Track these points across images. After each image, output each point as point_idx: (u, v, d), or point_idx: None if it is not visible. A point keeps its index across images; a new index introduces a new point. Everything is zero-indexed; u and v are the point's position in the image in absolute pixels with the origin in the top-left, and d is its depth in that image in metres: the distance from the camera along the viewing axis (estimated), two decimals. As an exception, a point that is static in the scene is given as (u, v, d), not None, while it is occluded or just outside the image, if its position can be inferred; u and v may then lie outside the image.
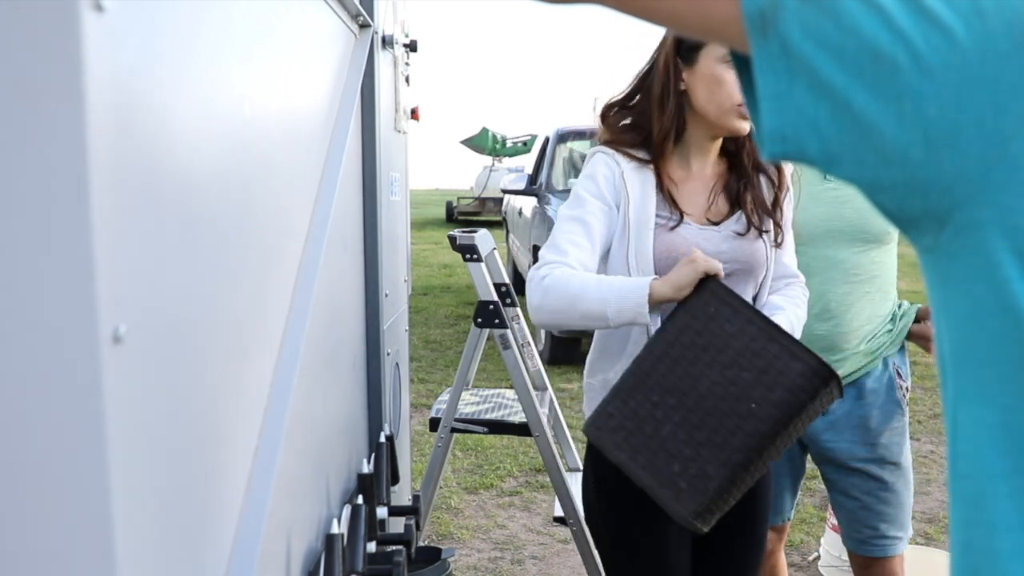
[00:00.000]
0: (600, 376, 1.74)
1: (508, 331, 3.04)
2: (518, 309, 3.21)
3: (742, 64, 0.55)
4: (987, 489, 0.52)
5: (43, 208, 0.60)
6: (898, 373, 2.13)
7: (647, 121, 1.70)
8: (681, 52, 1.68)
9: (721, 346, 1.47)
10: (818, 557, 3.25)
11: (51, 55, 0.59)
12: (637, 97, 1.73)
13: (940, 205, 0.51)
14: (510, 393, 3.26)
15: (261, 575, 1.01)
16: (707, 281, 1.53)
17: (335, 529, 1.40)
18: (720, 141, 1.74)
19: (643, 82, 1.73)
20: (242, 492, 1.02)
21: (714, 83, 1.64)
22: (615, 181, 1.67)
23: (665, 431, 1.47)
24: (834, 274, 2.07)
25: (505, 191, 8.38)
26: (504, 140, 17.11)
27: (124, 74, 0.67)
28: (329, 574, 1.35)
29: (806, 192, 2.10)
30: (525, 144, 16.77)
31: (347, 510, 1.60)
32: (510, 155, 17.28)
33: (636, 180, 1.67)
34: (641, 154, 1.69)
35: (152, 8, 0.75)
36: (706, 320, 1.49)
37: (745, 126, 1.67)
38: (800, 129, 0.52)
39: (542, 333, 6.41)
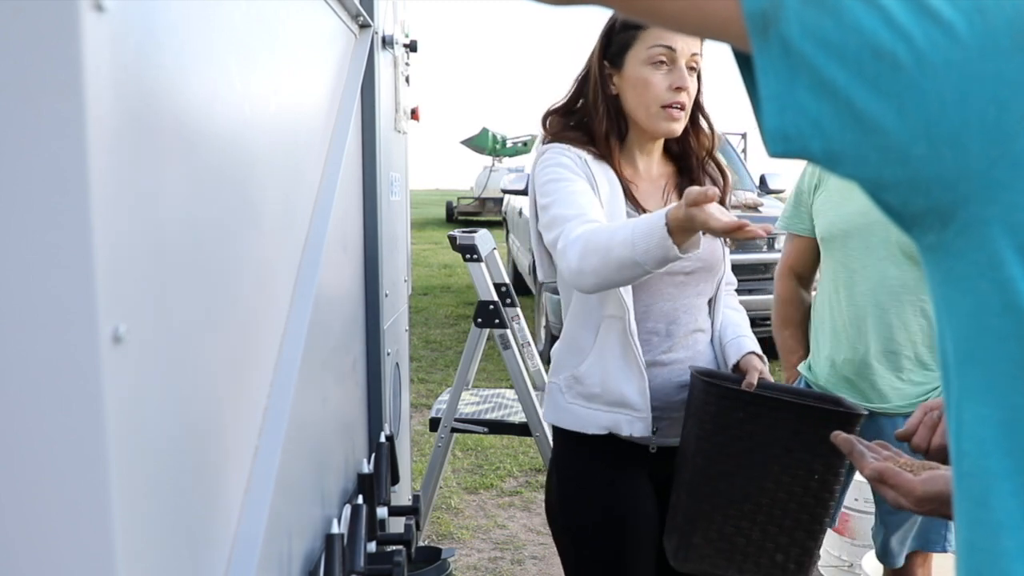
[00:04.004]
0: (566, 373, 1.69)
1: (508, 331, 3.04)
2: (518, 309, 3.21)
3: (744, 63, 0.55)
4: (991, 488, 0.51)
5: (43, 208, 0.60)
6: None
7: (591, 124, 1.68)
8: (609, 55, 1.66)
9: (765, 440, 1.56)
10: (818, 557, 3.25)
11: (51, 55, 0.59)
12: (580, 102, 1.71)
13: (943, 202, 0.51)
14: (510, 393, 3.26)
15: (261, 575, 1.01)
16: (711, 386, 1.57)
17: (335, 529, 1.40)
18: (661, 141, 1.72)
19: (582, 87, 1.71)
20: (242, 492, 1.02)
21: (640, 86, 1.62)
22: (582, 166, 1.62)
23: (755, 535, 1.59)
24: (879, 288, 1.95)
25: (505, 191, 8.38)
26: (504, 140, 17.09)
27: (124, 74, 0.67)
28: (329, 574, 1.35)
29: (836, 188, 2.02)
30: (525, 144, 16.75)
31: (347, 510, 1.60)
32: (510, 155, 17.26)
33: (600, 170, 1.63)
34: (593, 149, 1.66)
35: (152, 8, 0.75)
36: (739, 426, 1.56)
37: (675, 127, 1.64)
38: (802, 128, 0.51)
39: (542, 333, 6.41)
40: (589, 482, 1.70)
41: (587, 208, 1.55)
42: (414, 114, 2.73)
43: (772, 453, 1.56)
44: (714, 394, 1.57)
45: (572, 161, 1.62)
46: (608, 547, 1.68)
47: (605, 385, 1.63)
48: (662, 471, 1.69)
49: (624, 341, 1.62)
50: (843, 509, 2.79)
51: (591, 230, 1.49)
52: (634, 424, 1.62)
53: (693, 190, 1.32)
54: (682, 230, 1.36)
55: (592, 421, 1.65)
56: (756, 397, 1.59)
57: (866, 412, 1.63)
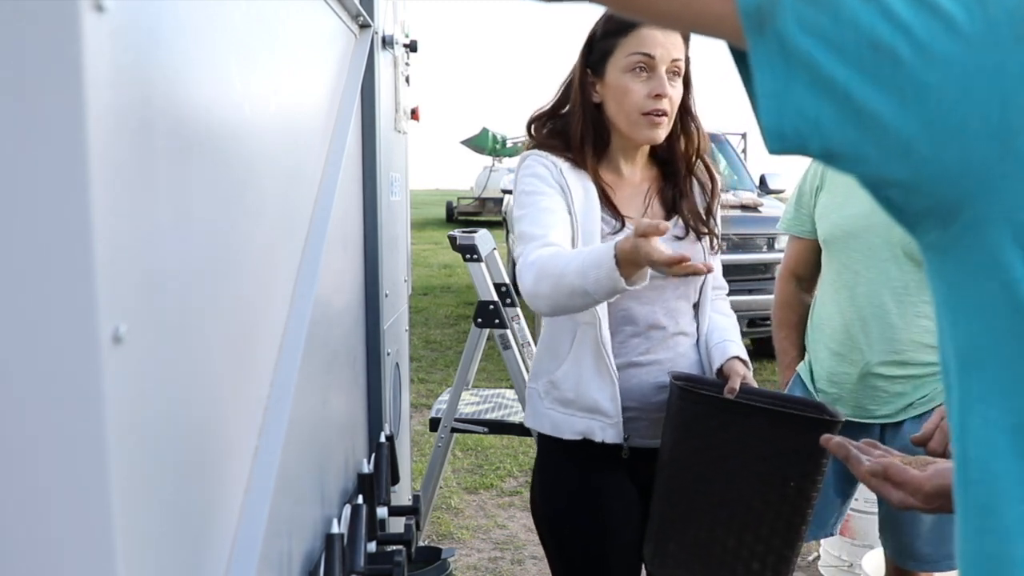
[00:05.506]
0: (544, 379, 1.72)
1: (508, 331, 3.04)
2: (518, 309, 3.21)
3: (740, 60, 0.54)
4: (1000, 494, 0.50)
5: (43, 208, 0.60)
6: None
7: (568, 130, 1.69)
8: (591, 63, 1.66)
9: (739, 448, 1.54)
10: (818, 557, 3.25)
11: (51, 55, 0.59)
12: (565, 107, 1.72)
13: (946, 200, 0.50)
14: (510, 393, 3.26)
15: (261, 575, 1.01)
16: (686, 392, 1.56)
17: (335, 529, 1.40)
18: (646, 147, 1.72)
19: (567, 93, 1.72)
20: (242, 492, 1.02)
21: (620, 94, 1.62)
22: (556, 176, 1.64)
23: (730, 543, 1.57)
24: (882, 287, 1.94)
25: (505, 191, 8.38)
26: (504, 140, 17.07)
27: (124, 74, 0.67)
28: (329, 574, 1.35)
29: (838, 190, 2.00)
30: (524, 144, 16.70)
31: (347, 510, 1.60)
32: (510, 155, 17.23)
33: (575, 178, 1.65)
34: (570, 156, 1.68)
35: (152, 8, 0.75)
36: (714, 433, 1.54)
37: (657, 134, 1.64)
38: (801, 126, 0.50)
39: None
40: (567, 485, 1.72)
41: (552, 228, 1.57)
42: (414, 114, 2.72)
43: (747, 460, 1.54)
44: (689, 400, 1.56)
45: (548, 171, 1.64)
46: (588, 548, 1.69)
47: (579, 391, 1.65)
48: (645, 475, 1.69)
49: (596, 349, 1.63)
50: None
51: (549, 255, 1.52)
52: (606, 430, 1.64)
53: (643, 222, 1.36)
54: (629, 262, 1.38)
55: (568, 426, 1.67)
56: (731, 404, 1.57)
57: (844, 419, 1.59)
